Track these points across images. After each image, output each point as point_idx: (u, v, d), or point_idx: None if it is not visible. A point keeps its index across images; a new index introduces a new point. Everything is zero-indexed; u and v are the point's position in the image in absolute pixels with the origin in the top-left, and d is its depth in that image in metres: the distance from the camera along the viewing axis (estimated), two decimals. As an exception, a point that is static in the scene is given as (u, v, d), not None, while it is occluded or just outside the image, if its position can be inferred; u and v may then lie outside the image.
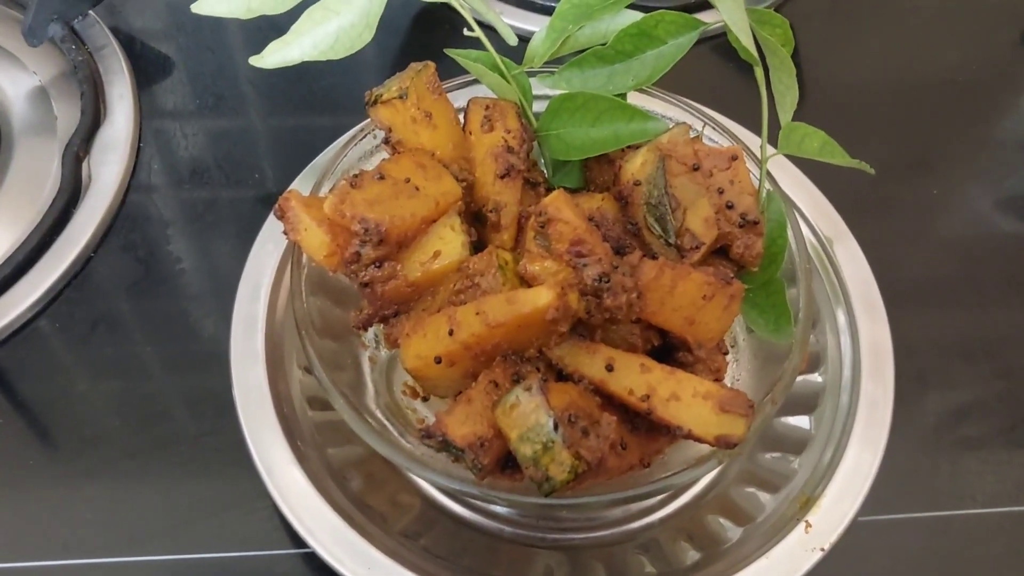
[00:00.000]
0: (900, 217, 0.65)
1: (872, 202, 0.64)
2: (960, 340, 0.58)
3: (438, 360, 0.43)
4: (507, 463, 0.43)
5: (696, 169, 0.46)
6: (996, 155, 0.70)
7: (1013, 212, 0.66)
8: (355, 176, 0.45)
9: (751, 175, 0.47)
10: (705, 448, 0.43)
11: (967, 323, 0.60)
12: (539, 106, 0.52)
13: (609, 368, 0.42)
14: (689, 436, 0.40)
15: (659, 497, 0.51)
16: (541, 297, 0.40)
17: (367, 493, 0.49)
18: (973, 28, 0.79)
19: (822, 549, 0.46)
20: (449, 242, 0.45)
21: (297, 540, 0.49)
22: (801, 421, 0.53)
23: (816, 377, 0.54)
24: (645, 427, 0.44)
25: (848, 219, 0.59)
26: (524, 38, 0.53)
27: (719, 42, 0.73)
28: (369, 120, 0.51)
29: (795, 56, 0.50)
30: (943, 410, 0.55)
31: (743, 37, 0.48)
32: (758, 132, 0.51)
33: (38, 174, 0.64)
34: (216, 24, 0.73)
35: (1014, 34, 0.79)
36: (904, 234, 0.64)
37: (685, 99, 0.54)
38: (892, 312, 0.55)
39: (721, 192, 0.46)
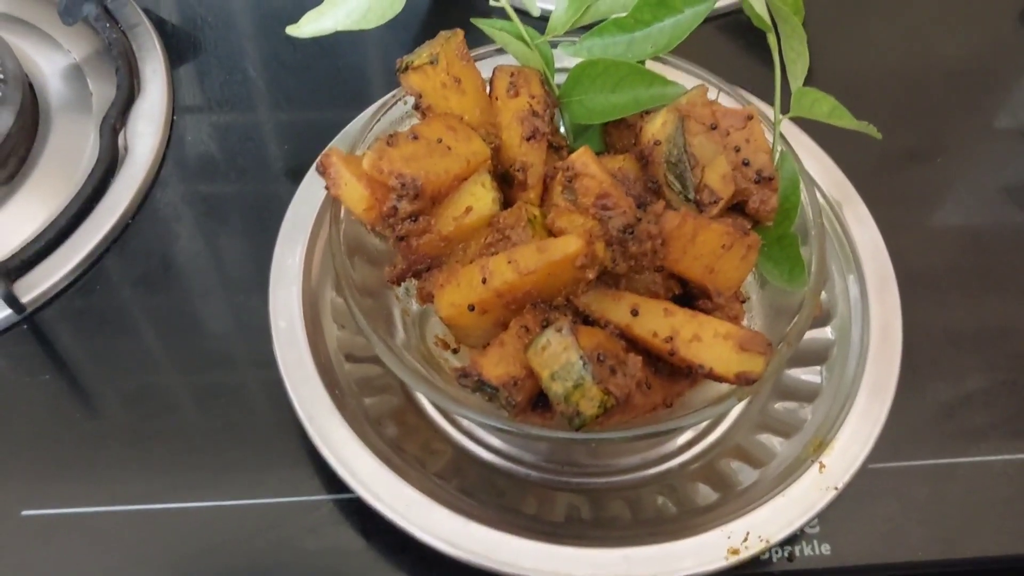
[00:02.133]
0: (909, 203, 0.66)
1: (883, 187, 0.65)
2: (969, 321, 0.60)
3: (471, 308, 0.45)
4: (538, 402, 0.45)
5: (714, 128, 0.48)
6: (1005, 142, 0.71)
7: (1022, 200, 0.68)
8: (391, 136, 0.47)
9: (765, 135, 0.50)
10: (724, 389, 0.45)
11: (978, 305, 0.61)
12: (560, 79, 0.55)
13: (634, 313, 0.44)
14: (710, 375, 0.43)
15: (677, 444, 0.54)
16: (570, 245, 0.43)
17: (402, 440, 0.52)
18: (977, 11, 0.81)
19: (836, 488, 0.49)
20: (480, 198, 0.47)
21: (333, 485, 0.51)
22: (812, 374, 0.55)
23: (827, 332, 0.56)
24: (667, 371, 0.46)
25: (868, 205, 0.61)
26: (545, 14, 0.55)
27: (730, 20, 0.76)
28: (399, 88, 0.53)
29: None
30: (947, 362, 0.58)
31: (756, 5, 0.51)
32: (770, 102, 0.53)
33: (75, 148, 0.67)
34: (242, 2, 0.76)
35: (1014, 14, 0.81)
36: (914, 220, 0.66)
37: (701, 68, 0.56)
38: (902, 292, 0.57)
39: (737, 150, 0.48)
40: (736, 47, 0.74)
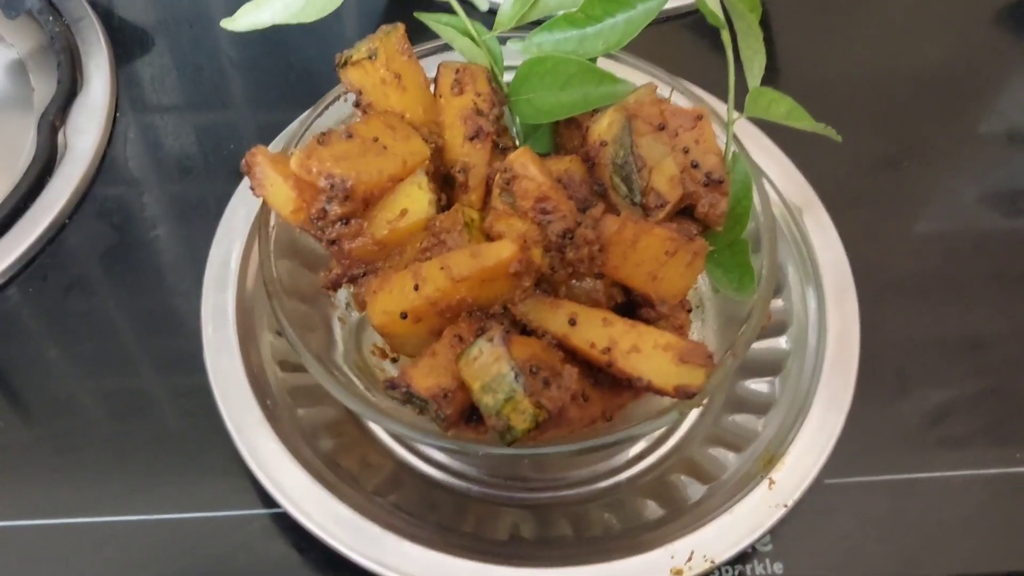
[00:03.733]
0: (879, 211, 0.65)
1: (850, 195, 0.63)
2: (934, 330, 0.59)
3: (404, 316, 0.43)
4: (471, 415, 0.43)
5: (662, 129, 0.46)
6: (978, 149, 0.69)
7: (995, 207, 0.66)
8: (323, 134, 0.45)
9: (717, 136, 0.48)
10: (667, 402, 0.43)
11: (943, 315, 0.60)
12: (510, 77, 0.52)
13: (572, 322, 0.42)
14: (649, 387, 0.41)
15: (627, 456, 0.52)
16: (504, 250, 0.41)
17: (338, 454, 0.50)
18: (950, 17, 0.79)
19: (785, 505, 0.47)
20: (416, 200, 0.45)
21: (267, 500, 0.49)
22: (767, 385, 0.53)
23: (782, 343, 0.54)
24: (608, 382, 0.44)
25: (830, 212, 0.59)
26: (493, 8, 0.53)
27: (690, 20, 0.74)
28: (341, 85, 0.51)
29: (769, 47, 0.50)
30: (908, 374, 0.56)
31: (710, 0, 0.48)
32: (727, 100, 0.51)
33: (14, 146, 0.65)
34: (194, -1, 0.74)
35: (989, 18, 0.79)
36: (883, 228, 0.64)
37: (654, 65, 0.54)
38: (864, 301, 0.55)
39: (686, 151, 0.46)
40: (701, 46, 0.72)
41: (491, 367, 0.40)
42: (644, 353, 0.41)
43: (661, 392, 0.41)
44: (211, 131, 0.66)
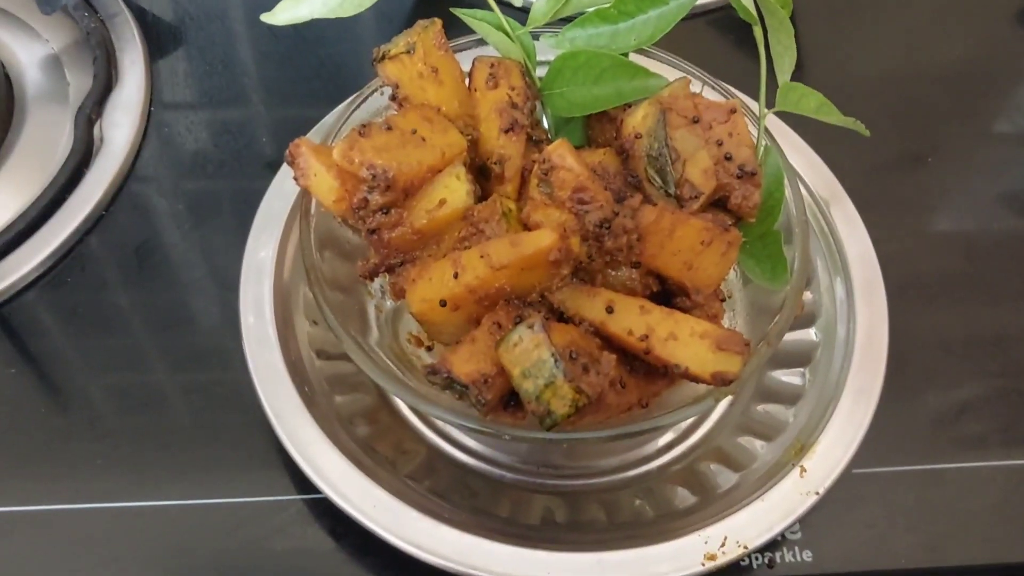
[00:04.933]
0: (904, 206, 0.65)
1: (875, 191, 0.64)
2: (960, 325, 0.59)
3: (443, 303, 0.44)
4: (510, 401, 0.44)
5: (696, 122, 0.47)
6: (1000, 147, 0.70)
7: (1018, 205, 0.66)
8: (363, 126, 0.46)
9: (749, 129, 0.48)
10: (702, 390, 0.44)
11: (969, 310, 0.60)
12: (542, 72, 0.53)
13: (609, 310, 0.43)
14: (686, 374, 0.42)
15: (657, 445, 0.52)
16: (544, 238, 0.42)
17: (374, 440, 0.50)
18: (972, 15, 0.79)
19: (817, 493, 0.47)
20: (454, 191, 0.46)
21: (303, 486, 0.50)
22: (796, 376, 0.54)
23: (811, 334, 0.55)
24: (643, 370, 0.45)
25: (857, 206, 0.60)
26: (527, 5, 0.54)
27: (721, 15, 0.74)
28: (377, 79, 0.52)
29: (797, 47, 0.51)
30: (935, 368, 0.57)
31: (743, -3, 0.49)
32: (756, 97, 0.52)
33: (50, 139, 0.66)
34: (225, -6, 0.75)
35: (1011, 16, 0.79)
36: (908, 223, 0.64)
37: (686, 61, 0.55)
38: (890, 295, 0.56)
39: (720, 144, 0.47)
40: (726, 43, 0.73)
41: (531, 353, 0.40)
42: (681, 340, 0.41)
43: (698, 379, 0.42)
44: (244, 125, 0.67)
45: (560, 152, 0.45)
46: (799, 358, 0.54)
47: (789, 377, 0.54)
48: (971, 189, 0.67)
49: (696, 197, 0.46)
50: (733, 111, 0.47)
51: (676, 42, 0.55)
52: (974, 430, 0.55)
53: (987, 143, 0.70)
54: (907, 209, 0.65)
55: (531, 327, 0.41)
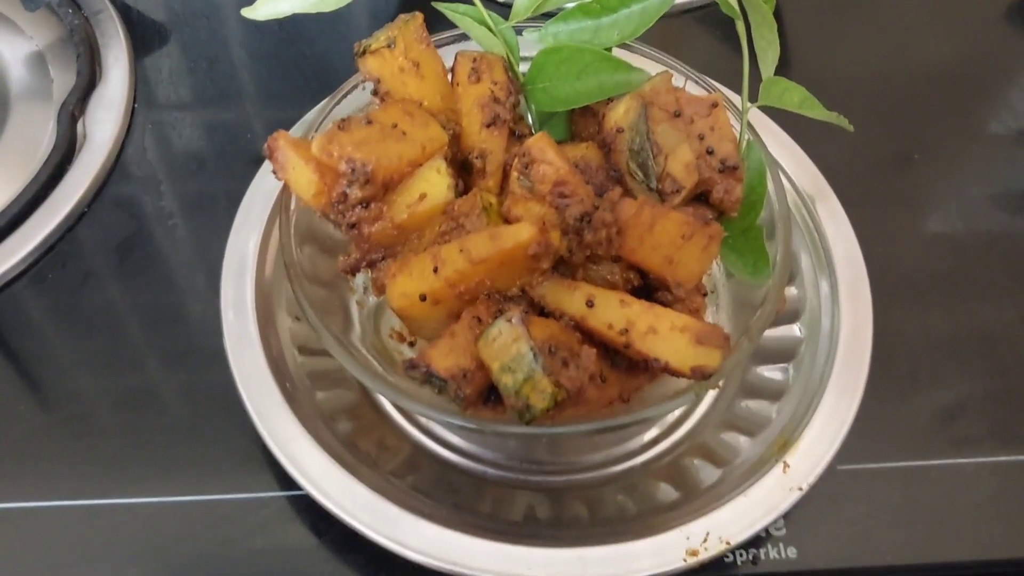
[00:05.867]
0: (890, 203, 0.65)
1: (861, 187, 0.63)
2: (945, 325, 0.59)
3: (423, 298, 0.44)
4: (490, 395, 0.44)
5: (678, 116, 0.47)
6: (988, 146, 0.70)
7: (1006, 205, 0.66)
8: (343, 120, 0.46)
9: (732, 124, 0.48)
10: (683, 384, 0.43)
11: (954, 311, 0.60)
12: (526, 67, 0.53)
13: (589, 304, 0.43)
14: (666, 368, 0.41)
15: (641, 441, 0.52)
16: (523, 232, 0.41)
17: (356, 436, 0.50)
18: (961, 13, 0.79)
19: (800, 488, 0.47)
20: (435, 184, 0.46)
21: (284, 483, 0.50)
22: (780, 372, 0.54)
23: (795, 330, 0.55)
24: (625, 365, 0.45)
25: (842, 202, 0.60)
26: (510, 0, 0.54)
27: (702, 13, 0.74)
28: (359, 74, 0.52)
29: (783, 41, 0.51)
30: (919, 366, 0.57)
31: (725, -10, 0.49)
32: (740, 91, 0.52)
33: (34, 136, 0.65)
34: (210, -8, 0.74)
35: (999, 15, 0.79)
36: (894, 220, 0.64)
37: (669, 55, 0.55)
38: (875, 293, 0.56)
39: (702, 138, 0.47)
40: (713, 39, 0.73)
41: (510, 347, 0.40)
42: (661, 334, 0.41)
43: (678, 373, 0.41)
44: (227, 122, 0.67)
45: (540, 146, 0.44)
46: (783, 354, 0.54)
47: (773, 373, 0.54)
48: (957, 187, 0.67)
49: (678, 191, 0.46)
50: (715, 105, 0.47)
51: (662, 38, 0.55)
52: (960, 427, 0.54)
53: (974, 142, 0.70)
54: (893, 206, 0.65)
55: (510, 321, 0.41)
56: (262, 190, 0.57)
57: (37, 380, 0.54)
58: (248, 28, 0.72)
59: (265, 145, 0.45)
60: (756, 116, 0.59)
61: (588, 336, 0.44)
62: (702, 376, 0.41)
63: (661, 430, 0.53)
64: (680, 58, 0.55)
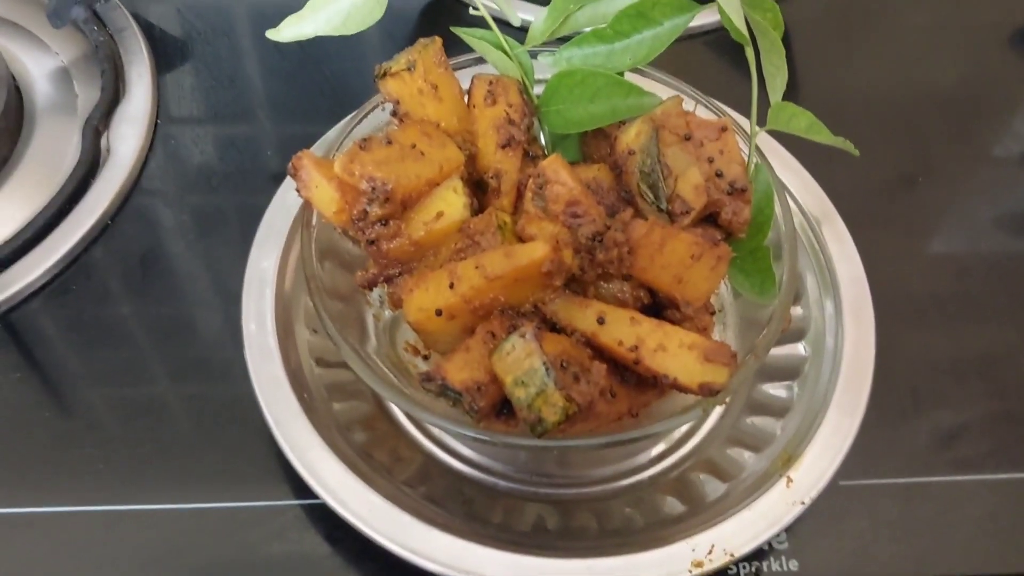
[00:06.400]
0: (895, 226, 0.66)
1: (867, 211, 0.65)
2: (947, 347, 0.60)
3: (439, 313, 0.45)
4: (503, 408, 0.45)
5: (688, 139, 0.48)
6: (992, 169, 0.71)
7: (1009, 228, 0.67)
8: (364, 140, 0.47)
9: (740, 147, 0.50)
10: (691, 400, 0.45)
11: (957, 333, 0.61)
12: (540, 90, 0.55)
13: (600, 321, 0.44)
14: (675, 385, 0.43)
15: (649, 456, 0.53)
16: (537, 250, 0.43)
17: (371, 446, 0.52)
18: (966, 38, 0.81)
19: (803, 503, 0.48)
20: (452, 203, 0.47)
21: (301, 491, 0.51)
22: (785, 389, 0.55)
23: (800, 348, 0.56)
24: (634, 381, 0.46)
25: (848, 224, 0.61)
26: (526, 24, 0.55)
27: (713, 37, 0.76)
28: (379, 95, 0.53)
29: (791, 66, 0.52)
30: (920, 385, 0.58)
31: (735, 18, 0.51)
32: (749, 114, 0.53)
33: (58, 150, 0.67)
34: (232, 10, 0.76)
35: (1004, 40, 0.81)
36: (898, 243, 0.65)
37: (680, 80, 0.56)
38: (879, 314, 0.57)
39: (711, 161, 0.48)
40: (724, 63, 0.74)
41: (523, 362, 0.42)
42: (670, 352, 0.42)
43: (686, 389, 0.43)
44: (248, 139, 0.68)
45: (554, 167, 0.46)
46: (788, 371, 0.55)
47: (778, 390, 0.55)
48: (961, 210, 0.68)
49: (687, 212, 0.47)
50: (724, 129, 0.48)
51: (674, 62, 0.56)
52: (960, 446, 0.56)
53: (978, 165, 0.71)
54: (898, 229, 0.66)
55: (523, 336, 0.42)
56: (282, 207, 0.59)
57: (60, 389, 0.56)
58: (267, 47, 0.73)
59: (290, 164, 0.47)
60: (764, 140, 0.60)
61: (599, 352, 0.45)
62: (710, 392, 0.42)
63: (668, 445, 0.54)
64: (691, 81, 0.57)
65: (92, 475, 0.52)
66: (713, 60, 0.74)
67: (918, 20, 0.81)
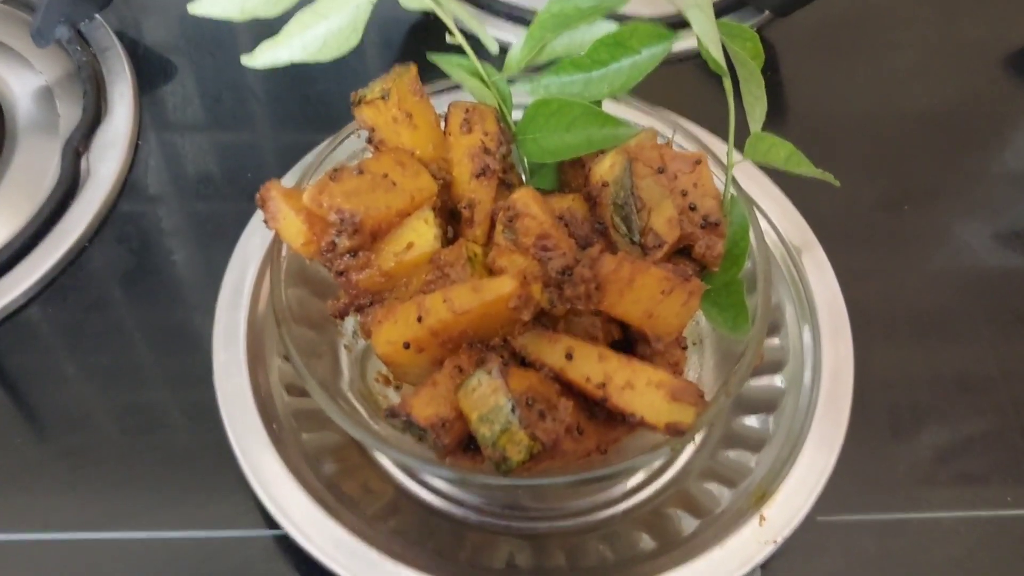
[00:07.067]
0: (878, 252, 0.66)
1: (850, 237, 0.65)
2: (928, 371, 0.60)
3: (407, 345, 0.45)
4: (469, 444, 0.44)
5: (661, 172, 0.48)
6: (979, 192, 0.70)
7: (991, 249, 0.67)
8: (335, 170, 0.47)
9: (715, 180, 0.49)
10: (660, 438, 0.44)
11: (937, 357, 0.61)
12: (518, 116, 0.54)
13: (568, 356, 0.44)
14: (642, 423, 0.42)
15: (622, 490, 0.53)
16: (504, 285, 0.42)
17: (340, 478, 0.51)
18: (958, 62, 0.80)
19: (775, 542, 0.48)
20: (422, 235, 0.47)
21: (270, 521, 0.50)
22: (762, 422, 0.54)
23: (777, 381, 0.56)
24: (603, 416, 0.45)
25: (829, 252, 0.60)
26: (504, 49, 0.55)
27: (695, 62, 0.75)
28: (355, 122, 0.53)
29: (778, 89, 0.51)
30: (901, 415, 0.57)
31: (713, 49, 0.50)
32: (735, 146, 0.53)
33: (39, 170, 0.67)
34: (217, 30, 0.76)
35: (996, 62, 0.80)
36: (881, 269, 0.65)
37: (659, 107, 0.56)
38: (859, 341, 0.56)
39: (685, 194, 0.48)
40: (704, 87, 0.73)
41: (489, 399, 0.41)
42: (637, 390, 0.42)
43: (652, 428, 0.42)
44: (230, 158, 0.68)
45: (524, 200, 0.45)
46: (765, 404, 0.55)
47: (755, 423, 0.54)
48: (945, 233, 0.67)
49: (660, 246, 0.47)
50: (698, 162, 0.48)
51: (656, 86, 0.55)
52: (938, 481, 0.55)
53: (963, 188, 0.71)
54: (881, 256, 0.65)
55: (489, 373, 0.41)
56: (260, 226, 0.58)
57: (37, 410, 0.56)
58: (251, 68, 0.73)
59: (257, 195, 0.46)
60: (745, 166, 0.59)
61: (567, 387, 0.44)
62: (676, 432, 0.41)
63: (644, 477, 0.54)
64: (671, 105, 0.56)
65: (58, 501, 0.52)
66: (695, 84, 0.74)
67: (907, 43, 0.81)
